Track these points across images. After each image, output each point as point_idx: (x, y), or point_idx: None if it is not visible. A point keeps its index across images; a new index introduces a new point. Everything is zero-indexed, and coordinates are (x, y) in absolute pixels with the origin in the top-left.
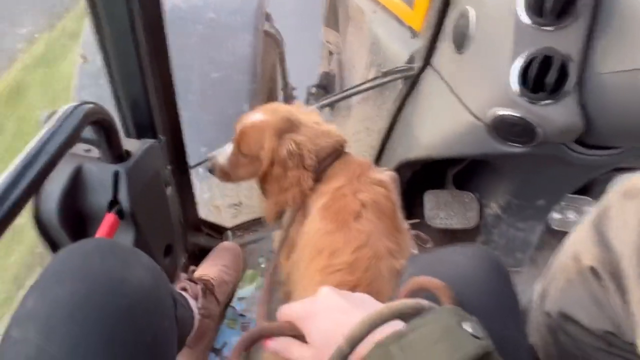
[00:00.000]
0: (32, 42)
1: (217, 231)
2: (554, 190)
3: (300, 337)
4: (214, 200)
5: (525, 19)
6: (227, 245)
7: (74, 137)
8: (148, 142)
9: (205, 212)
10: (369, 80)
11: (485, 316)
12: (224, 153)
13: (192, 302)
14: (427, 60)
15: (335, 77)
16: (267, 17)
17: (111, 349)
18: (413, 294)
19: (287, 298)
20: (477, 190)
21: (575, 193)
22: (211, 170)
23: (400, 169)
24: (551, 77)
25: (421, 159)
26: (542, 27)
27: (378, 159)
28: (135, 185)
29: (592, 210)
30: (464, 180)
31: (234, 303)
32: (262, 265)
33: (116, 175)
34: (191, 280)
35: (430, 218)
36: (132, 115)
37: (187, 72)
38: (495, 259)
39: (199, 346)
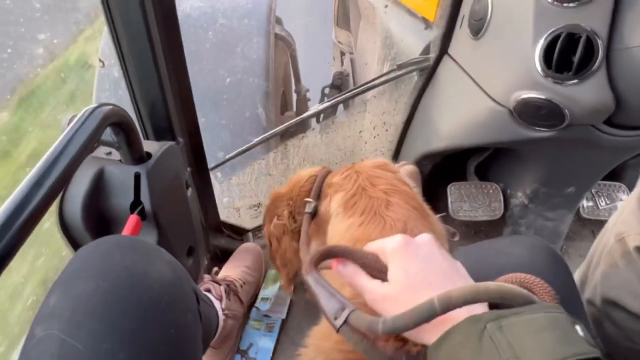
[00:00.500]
0: (50, 47)
1: (238, 233)
2: (583, 176)
3: (373, 273)
4: (234, 202)
5: None
6: (249, 246)
7: (94, 139)
8: (167, 143)
9: (225, 214)
10: (384, 74)
11: None
12: None
13: (216, 303)
14: (443, 50)
15: (348, 76)
16: (278, 21)
17: (135, 343)
18: None
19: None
20: (502, 180)
21: (606, 179)
22: None
23: (421, 162)
24: (577, 55)
25: (442, 151)
26: (564, 4)
27: (397, 153)
28: (156, 187)
29: (636, 188)
30: (486, 170)
31: (258, 304)
32: None
33: (137, 177)
34: (214, 281)
35: (455, 211)
36: (150, 118)
37: (201, 78)
38: (552, 250)
39: (224, 347)
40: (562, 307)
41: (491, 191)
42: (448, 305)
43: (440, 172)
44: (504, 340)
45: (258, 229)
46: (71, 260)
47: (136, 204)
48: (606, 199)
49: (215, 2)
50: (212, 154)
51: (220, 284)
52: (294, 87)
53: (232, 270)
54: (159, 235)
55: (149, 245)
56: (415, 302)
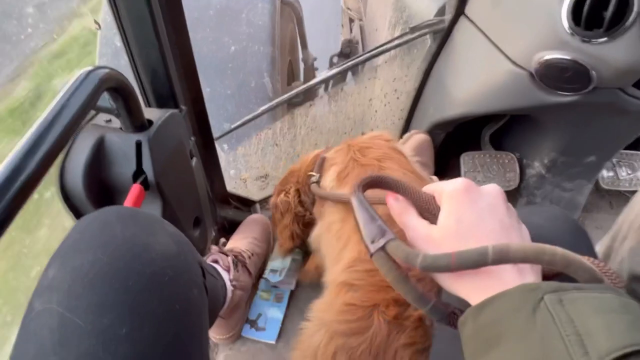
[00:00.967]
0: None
1: (245, 204)
2: (606, 144)
3: (424, 214)
4: (241, 173)
5: None
6: (256, 217)
7: (90, 103)
8: (169, 111)
9: (232, 185)
10: (395, 38)
11: None
12: None
13: (224, 274)
14: (459, 10)
15: (358, 44)
16: None
17: (137, 318)
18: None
19: (318, 270)
20: (518, 150)
21: (628, 148)
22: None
23: (433, 131)
24: (609, 10)
25: (456, 119)
26: None
27: (408, 122)
28: (159, 155)
29: None
30: (502, 139)
31: (267, 275)
32: None
33: (138, 145)
34: (222, 252)
35: None
36: (151, 85)
37: (206, 46)
38: (573, 220)
39: (233, 317)
40: None
41: (506, 161)
42: (503, 256)
43: (454, 141)
44: (565, 315)
45: (265, 200)
46: (70, 232)
47: (138, 173)
48: (628, 169)
49: None
50: (218, 126)
51: (227, 255)
52: (301, 56)
53: (240, 241)
54: (164, 206)
55: (151, 216)
56: None
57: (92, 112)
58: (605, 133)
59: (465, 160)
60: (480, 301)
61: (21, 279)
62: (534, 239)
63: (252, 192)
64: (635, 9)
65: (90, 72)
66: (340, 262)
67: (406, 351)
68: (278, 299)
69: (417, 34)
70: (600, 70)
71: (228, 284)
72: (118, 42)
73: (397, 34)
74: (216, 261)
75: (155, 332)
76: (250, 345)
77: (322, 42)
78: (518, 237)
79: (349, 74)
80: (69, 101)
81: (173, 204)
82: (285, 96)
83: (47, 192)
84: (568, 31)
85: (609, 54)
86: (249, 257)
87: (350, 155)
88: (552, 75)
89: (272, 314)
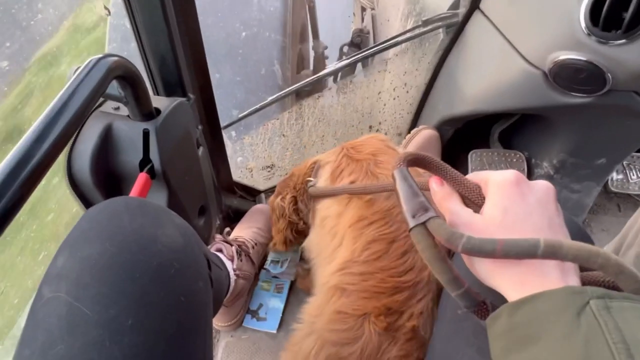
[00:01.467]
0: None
1: (251, 194)
2: (617, 147)
3: (468, 203)
4: (247, 162)
5: None
6: (261, 207)
7: (99, 91)
8: (177, 99)
9: (238, 174)
10: (407, 31)
11: None
12: None
13: (227, 263)
14: (474, 4)
15: (369, 34)
16: None
17: (143, 309)
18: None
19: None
20: (527, 149)
21: (639, 151)
22: None
23: (442, 127)
24: (630, 11)
25: (466, 116)
26: None
27: (417, 117)
28: (166, 144)
29: None
30: (511, 138)
31: (268, 265)
32: None
33: (146, 134)
34: (226, 241)
35: None
36: (160, 73)
37: (216, 32)
38: (576, 224)
39: (236, 305)
40: None
41: (515, 160)
42: (555, 251)
43: (462, 138)
44: (612, 322)
45: (271, 190)
46: (79, 221)
47: (145, 161)
48: (638, 173)
49: None
50: (227, 112)
51: (232, 245)
52: (311, 44)
53: (244, 231)
54: (169, 194)
55: (158, 207)
56: None
57: (101, 99)
58: (617, 135)
59: (473, 157)
60: (517, 296)
61: (29, 263)
62: None
63: (258, 181)
64: None
65: (99, 59)
66: (333, 262)
67: None
68: (278, 290)
69: (429, 27)
70: (616, 72)
71: (231, 272)
72: (128, 27)
73: (409, 25)
74: (220, 250)
75: (160, 324)
76: (251, 333)
77: (333, 31)
78: (564, 236)
79: (359, 66)
80: (77, 89)
81: (179, 192)
82: (294, 87)
83: (55, 178)
84: (585, 31)
85: (626, 56)
86: (253, 247)
87: (344, 152)
88: (566, 75)
89: (273, 304)
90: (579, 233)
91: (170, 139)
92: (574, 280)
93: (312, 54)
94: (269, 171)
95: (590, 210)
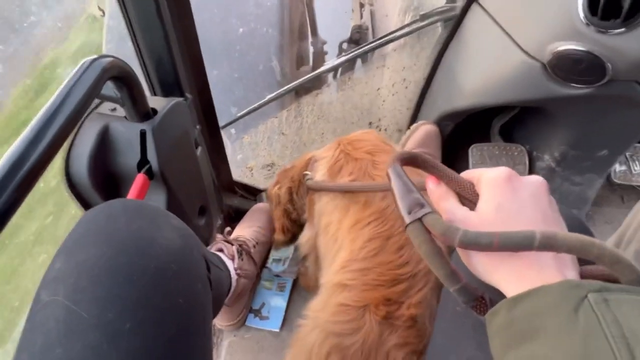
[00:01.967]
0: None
1: (251, 193)
2: (619, 138)
3: (463, 201)
4: (247, 161)
5: None
6: (262, 206)
7: (93, 92)
8: (174, 99)
9: (238, 173)
10: (405, 25)
11: None
12: None
13: (228, 263)
14: None
15: (368, 30)
16: None
17: (140, 312)
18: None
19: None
20: (528, 142)
21: None
22: None
23: (442, 122)
24: (627, 0)
25: (465, 110)
26: None
27: (417, 112)
28: (163, 145)
29: None
30: (512, 131)
31: (270, 264)
32: None
33: (143, 135)
34: (227, 241)
35: None
36: (156, 73)
37: (212, 28)
38: (578, 219)
39: (238, 305)
40: None
41: (516, 153)
42: (551, 243)
43: (462, 133)
44: (610, 316)
45: None
46: (77, 225)
47: (143, 162)
48: None
49: None
50: (225, 109)
51: (232, 244)
52: (310, 40)
53: (245, 230)
54: (168, 195)
55: (156, 209)
56: None
57: (97, 100)
58: (618, 126)
59: (474, 152)
60: (515, 291)
61: (28, 266)
62: None
63: (258, 180)
64: None
65: (93, 60)
66: (334, 263)
67: (399, 352)
68: (281, 288)
69: (427, 21)
70: (615, 62)
71: (233, 272)
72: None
73: (407, 20)
74: (221, 250)
75: (158, 327)
76: (254, 332)
77: (332, 27)
78: (560, 229)
79: (358, 62)
80: (72, 90)
81: (178, 193)
82: (293, 84)
83: (53, 180)
84: (583, 21)
85: (626, 45)
86: (254, 246)
87: (341, 148)
88: (565, 66)
89: (276, 302)
90: (579, 227)
91: (168, 139)
92: (571, 274)
93: (311, 49)
94: (269, 170)
95: (593, 203)
